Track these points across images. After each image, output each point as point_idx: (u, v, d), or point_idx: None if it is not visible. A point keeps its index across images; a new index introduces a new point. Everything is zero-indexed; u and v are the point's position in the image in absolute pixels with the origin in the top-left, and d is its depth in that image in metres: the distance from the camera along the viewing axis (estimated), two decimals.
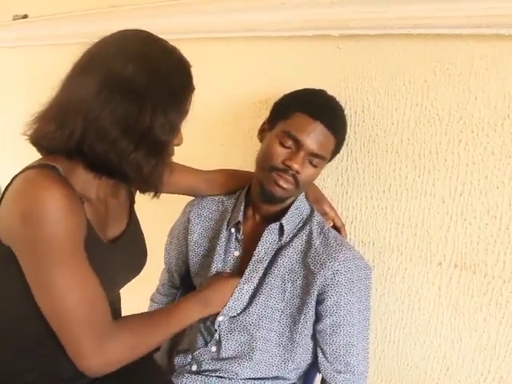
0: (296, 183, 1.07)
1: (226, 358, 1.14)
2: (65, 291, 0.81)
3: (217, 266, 1.18)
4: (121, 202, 1.07)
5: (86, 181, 0.90)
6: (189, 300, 1.11)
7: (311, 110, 1.06)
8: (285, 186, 1.07)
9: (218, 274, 1.17)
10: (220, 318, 1.14)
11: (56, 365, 0.99)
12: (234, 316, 1.13)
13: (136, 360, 1.13)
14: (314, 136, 1.05)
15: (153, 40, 0.88)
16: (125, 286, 1.11)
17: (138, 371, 1.11)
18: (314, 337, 1.14)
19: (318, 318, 1.11)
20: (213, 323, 1.14)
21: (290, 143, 1.06)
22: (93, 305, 0.84)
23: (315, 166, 1.08)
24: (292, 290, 1.10)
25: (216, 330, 1.14)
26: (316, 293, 1.08)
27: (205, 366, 1.15)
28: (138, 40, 0.87)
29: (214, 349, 1.16)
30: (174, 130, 0.87)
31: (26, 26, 2.02)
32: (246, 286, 1.12)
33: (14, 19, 2.02)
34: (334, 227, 1.21)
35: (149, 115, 0.82)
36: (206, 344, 1.17)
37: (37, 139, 0.89)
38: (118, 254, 0.99)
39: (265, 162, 1.09)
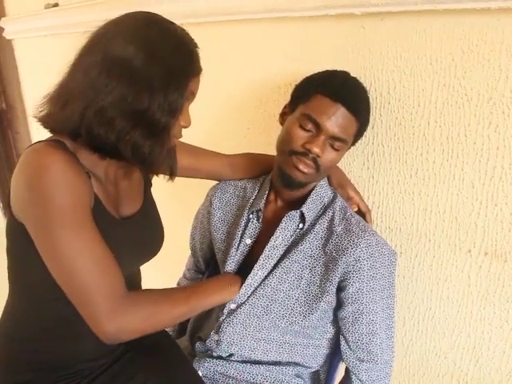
0: (317, 167, 1.05)
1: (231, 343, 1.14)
2: (74, 254, 0.82)
3: (232, 252, 1.18)
4: (134, 184, 1.07)
5: (92, 160, 0.92)
6: (211, 280, 1.12)
7: (331, 92, 1.02)
8: (305, 170, 1.04)
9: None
10: (232, 306, 1.14)
11: (75, 345, 1.02)
12: (243, 302, 1.13)
13: (159, 344, 1.16)
14: (334, 119, 1.02)
15: (155, 21, 0.87)
16: (145, 270, 1.12)
17: (161, 357, 1.14)
18: (335, 324, 1.13)
19: (340, 306, 1.09)
20: (222, 310, 1.15)
21: (310, 126, 1.03)
22: (104, 269, 0.85)
23: (337, 150, 1.05)
24: (310, 278, 1.08)
25: (222, 315, 1.14)
26: (337, 280, 1.06)
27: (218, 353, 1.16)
28: (139, 22, 0.86)
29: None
30: (173, 112, 0.86)
31: (57, 14, 2.06)
32: (259, 273, 1.11)
33: (45, 8, 2.06)
34: (359, 213, 1.18)
35: (147, 96, 0.82)
36: (216, 332, 1.17)
37: (44, 122, 0.91)
38: (130, 230, 1.00)
39: (284, 145, 1.07)
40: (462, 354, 1.19)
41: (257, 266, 1.11)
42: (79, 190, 0.84)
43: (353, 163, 1.25)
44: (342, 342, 1.10)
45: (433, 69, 1.04)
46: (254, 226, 1.17)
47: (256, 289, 1.12)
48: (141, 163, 0.91)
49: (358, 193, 1.19)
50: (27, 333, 1.00)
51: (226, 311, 1.14)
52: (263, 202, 1.16)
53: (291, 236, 1.12)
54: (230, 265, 1.17)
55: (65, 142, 0.88)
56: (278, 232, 1.11)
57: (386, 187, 1.21)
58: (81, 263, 0.83)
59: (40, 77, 2.53)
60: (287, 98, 1.15)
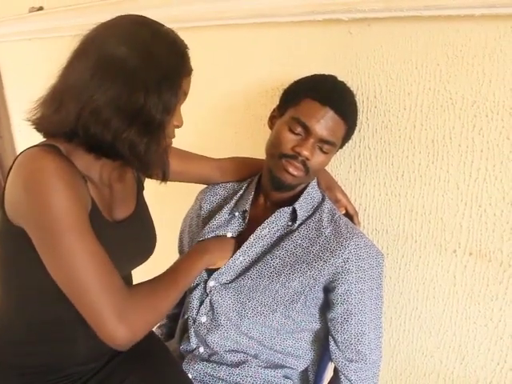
0: (306, 170, 1.06)
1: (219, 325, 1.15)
2: (76, 257, 0.81)
3: (205, 235, 1.20)
4: (127, 187, 1.08)
5: (87, 162, 0.92)
6: (189, 252, 1.15)
7: (320, 96, 1.04)
8: (295, 173, 1.06)
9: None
10: (211, 283, 1.15)
11: (68, 348, 1.01)
12: (226, 284, 1.14)
13: (149, 347, 1.15)
14: (323, 122, 1.04)
15: (146, 23, 0.88)
16: (136, 274, 1.12)
17: (150, 360, 1.14)
18: (323, 324, 1.14)
19: (329, 307, 1.11)
20: (205, 289, 1.16)
21: (299, 130, 1.05)
22: (106, 270, 0.84)
23: (325, 153, 1.07)
24: (289, 274, 1.09)
25: (207, 295, 1.16)
26: (323, 279, 1.08)
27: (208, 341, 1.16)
28: (130, 23, 0.87)
29: (204, 319, 1.16)
30: (168, 110, 0.87)
31: (42, 17, 2.05)
32: (241, 258, 1.13)
33: (29, 11, 2.05)
34: (347, 215, 1.20)
35: (142, 95, 0.83)
36: (198, 313, 1.18)
37: (38, 125, 0.91)
38: (123, 234, 1.00)
39: (274, 148, 1.09)
40: (447, 352, 1.21)
41: (239, 252, 1.13)
42: (77, 194, 0.84)
43: (340, 166, 1.27)
44: (331, 343, 1.11)
45: (418, 73, 1.06)
46: (237, 223, 1.19)
47: (237, 277, 1.13)
48: (137, 161, 0.91)
49: (345, 195, 1.21)
50: (18, 335, 0.99)
51: (208, 289, 1.16)
52: (249, 202, 1.17)
53: (278, 230, 1.13)
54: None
55: (58, 147, 0.88)
56: (265, 223, 1.12)
57: (372, 189, 1.23)
58: (83, 267, 0.82)
59: (24, 81, 2.51)
60: (275, 102, 1.16)
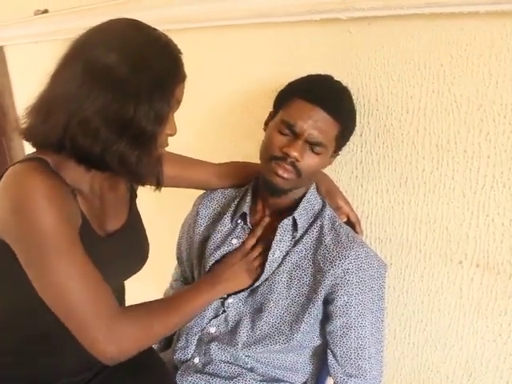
0: (297, 172, 1.02)
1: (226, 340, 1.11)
2: (64, 279, 0.80)
3: (212, 252, 1.16)
4: (119, 196, 1.05)
5: (77, 174, 0.89)
6: (200, 281, 1.11)
7: (309, 95, 1.00)
8: (284, 175, 1.02)
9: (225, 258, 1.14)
10: (230, 300, 1.11)
11: (57, 360, 0.99)
12: (243, 300, 1.12)
13: (141, 357, 1.12)
14: (311, 122, 0.99)
15: (137, 28, 0.84)
16: (130, 281, 1.09)
17: (143, 370, 1.11)
18: (322, 338, 1.09)
19: (328, 319, 1.06)
20: (222, 304, 1.13)
21: (287, 131, 1.01)
22: (96, 291, 0.83)
23: (318, 154, 1.02)
24: (298, 288, 1.06)
25: (225, 311, 1.12)
26: (324, 292, 1.03)
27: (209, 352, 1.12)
28: (121, 28, 0.84)
29: (213, 330, 1.13)
30: (160, 120, 0.83)
31: (47, 20, 2.03)
32: (256, 283, 1.10)
33: (35, 14, 2.04)
34: (349, 223, 1.15)
35: (132, 105, 0.79)
36: (209, 323, 1.14)
37: (26, 135, 0.88)
38: (114, 248, 0.97)
39: (265, 152, 1.05)
40: (454, 368, 1.15)
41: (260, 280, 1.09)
42: (65, 213, 0.81)
43: (341, 172, 1.22)
44: (330, 357, 1.06)
45: (421, 74, 1.01)
46: (241, 228, 1.15)
47: (251, 294, 1.10)
48: (128, 174, 0.88)
49: (347, 202, 1.16)
50: (7, 346, 0.97)
51: (226, 305, 1.12)
52: (247, 205, 1.13)
53: (288, 246, 1.09)
54: (210, 263, 1.15)
55: (47, 160, 0.85)
56: (274, 245, 1.08)
57: (375, 196, 1.18)
58: (72, 288, 0.80)
59: (32, 84, 2.50)
60: None
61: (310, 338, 1.08)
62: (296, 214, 1.08)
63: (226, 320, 1.12)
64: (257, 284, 1.09)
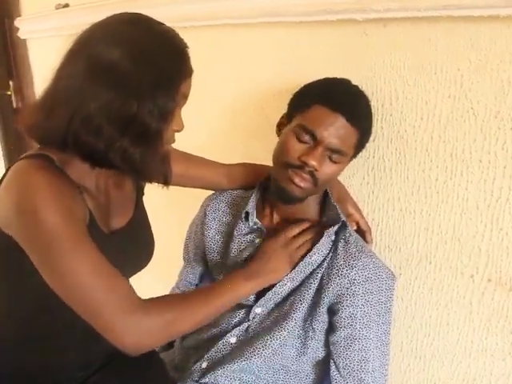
0: (314, 181, 0.98)
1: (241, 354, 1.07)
2: (80, 276, 0.79)
3: (234, 257, 1.12)
4: (126, 194, 1.04)
5: (82, 171, 0.88)
6: (225, 279, 1.05)
7: (330, 101, 0.96)
8: (301, 184, 0.98)
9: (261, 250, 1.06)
10: (258, 310, 1.07)
11: (58, 358, 0.98)
12: (269, 311, 1.07)
13: (141, 358, 1.11)
14: (333, 130, 0.95)
15: (142, 22, 0.83)
16: (137, 278, 1.08)
17: (143, 371, 1.09)
18: (325, 348, 1.06)
19: (331, 329, 1.03)
20: (247, 315, 1.09)
21: (306, 138, 0.97)
22: (113, 284, 0.82)
23: (336, 163, 0.99)
24: (314, 295, 1.04)
25: (248, 320, 1.09)
26: (328, 300, 1.01)
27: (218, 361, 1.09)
28: (125, 23, 0.82)
29: (233, 340, 1.10)
30: (165, 117, 0.81)
31: (68, 14, 2.04)
32: (289, 284, 1.05)
33: (56, 8, 2.05)
34: (359, 231, 1.12)
35: (135, 101, 0.78)
36: (225, 333, 1.11)
37: (30, 132, 0.87)
38: (118, 245, 0.96)
39: (280, 158, 1.01)
40: None
41: (286, 278, 1.04)
42: (71, 209, 0.81)
43: (352, 177, 1.19)
44: (332, 368, 1.03)
45: (437, 79, 0.97)
46: (258, 228, 1.12)
47: (278, 305, 1.06)
48: (132, 171, 0.87)
49: (358, 209, 1.13)
50: (7, 340, 0.96)
51: (252, 315, 1.08)
52: (252, 204, 1.11)
53: (325, 254, 1.05)
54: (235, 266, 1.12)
55: (52, 157, 0.84)
56: (315, 249, 1.04)
57: (386, 204, 1.14)
58: (87, 282, 0.79)
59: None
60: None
61: (316, 348, 1.05)
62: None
63: (247, 330, 1.09)
64: (285, 282, 1.04)
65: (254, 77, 1.37)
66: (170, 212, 1.80)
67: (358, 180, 1.18)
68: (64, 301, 0.80)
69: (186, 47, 0.85)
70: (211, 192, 1.26)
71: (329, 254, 1.05)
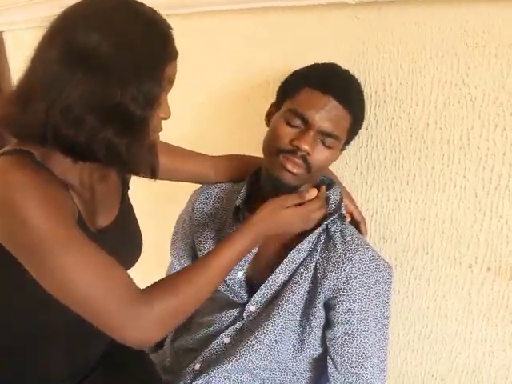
0: (307, 167, 0.94)
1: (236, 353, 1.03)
2: (75, 278, 0.74)
3: None
4: (110, 188, 0.99)
5: (65, 166, 0.82)
6: (233, 232, 0.93)
7: (320, 84, 0.93)
8: (294, 170, 0.94)
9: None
10: (252, 308, 1.04)
11: (45, 365, 0.94)
12: (263, 307, 1.04)
13: (130, 361, 1.07)
14: (324, 112, 0.92)
15: (120, 3, 0.77)
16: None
17: (132, 373, 1.06)
18: (322, 344, 1.03)
19: (329, 325, 1.00)
20: (241, 313, 1.05)
21: (298, 122, 0.94)
22: (111, 278, 0.77)
23: (329, 148, 0.95)
24: (309, 289, 1.00)
25: (243, 319, 1.05)
26: (324, 295, 0.98)
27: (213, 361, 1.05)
28: (103, 4, 0.76)
29: (227, 340, 1.06)
30: (150, 103, 0.76)
31: (47, 5, 1.95)
32: (281, 276, 1.01)
33: None
34: (352, 222, 1.09)
35: (117, 88, 0.72)
36: (219, 333, 1.07)
37: (6, 126, 0.81)
38: (106, 245, 0.91)
39: (271, 145, 0.97)
40: (460, 377, 1.09)
41: (278, 269, 1.01)
42: (61, 208, 0.76)
43: (345, 167, 1.15)
44: (330, 364, 1.00)
45: (433, 64, 0.94)
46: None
47: (273, 299, 1.02)
48: (117, 164, 0.81)
49: (352, 200, 1.10)
50: None
51: (246, 313, 1.05)
52: (240, 199, 1.07)
53: (313, 242, 1.02)
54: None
55: (31, 152, 0.78)
56: (308, 237, 1.00)
57: (380, 194, 1.11)
58: (86, 285, 0.74)
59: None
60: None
61: (313, 344, 1.02)
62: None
63: (241, 329, 1.05)
64: (277, 275, 1.01)
65: (240, 65, 1.32)
66: (155, 206, 1.75)
67: (350, 170, 1.15)
68: (59, 300, 0.75)
69: (170, 28, 0.80)
70: (198, 185, 1.22)
71: (317, 243, 1.01)
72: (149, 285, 0.83)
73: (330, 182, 1.07)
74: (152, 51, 0.76)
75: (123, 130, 0.75)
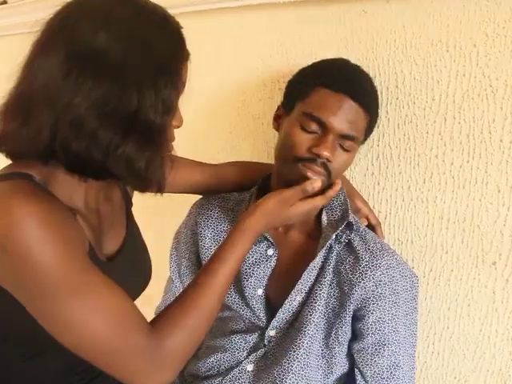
0: (328, 174, 0.88)
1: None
2: (85, 323, 0.65)
3: (245, 270, 1.00)
4: (115, 207, 0.90)
5: (70, 188, 0.74)
6: (234, 234, 0.84)
7: (334, 83, 0.88)
8: (315, 178, 0.88)
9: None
10: (272, 333, 0.97)
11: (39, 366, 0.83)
12: (285, 330, 0.97)
13: None
14: (341, 114, 0.86)
15: None
16: None
17: None
18: (349, 357, 0.97)
19: (356, 337, 0.95)
20: (262, 339, 0.98)
21: (313, 127, 0.88)
22: (123, 322, 0.68)
23: (348, 151, 0.90)
24: (332, 304, 0.95)
25: (265, 345, 0.98)
26: (352, 307, 0.92)
27: None
28: (107, 1, 0.68)
29: (251, 368, 0.99)
30: (169, 109, 0.69)
31: (5, 12, 1.84)
32: (298, 298, 0.95)
33: None
34: (368, 226, 1.04)
35: (134, 95, 0.64)
36: (241, 362, 0.99)
37: (0, 145, 0.71)
38: (115, 274, 0.82)
39: (287, 152, 0.90)
40: (485, 377, 1.06)
41: (294, 291, 0.94)
42: (71, 240, 0.66)
43: (354, 168, 1.11)
44: (358, 377, 0.95)
45: (450, 57, 0.90)
46: (266, 236, 0.99)
47: (294, 321, 0.96)
48: (139, 180, 0.72)
49: (366, 204, 1.06)
50: None
51: (267, 339, 0.98)
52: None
53: (325, 254, 0.96)
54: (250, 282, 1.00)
55: (32, 175, 0.69)
56: (320, 253, 0.94)
57: (394, 194, 1.07)
58: (96, 331, 0.66)
59: None
60: (274, 97, 1.01)
61: (342, 363, 0.96)
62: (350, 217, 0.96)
63: (265, 356, 0.98)
64: (293, 297, 0.95)
65: (236, 67, 1.26)
66: (151, 218, 1.65)
67: (361, 171, 1.10)
68: (70, 349, 0.66)
69: (181, 27, 0.73)
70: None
71: (329, 255, 0.95)
72: (156, 318, 0.75)
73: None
74: (167, 52, 0.69)
75: (143, 141, 0.67)
